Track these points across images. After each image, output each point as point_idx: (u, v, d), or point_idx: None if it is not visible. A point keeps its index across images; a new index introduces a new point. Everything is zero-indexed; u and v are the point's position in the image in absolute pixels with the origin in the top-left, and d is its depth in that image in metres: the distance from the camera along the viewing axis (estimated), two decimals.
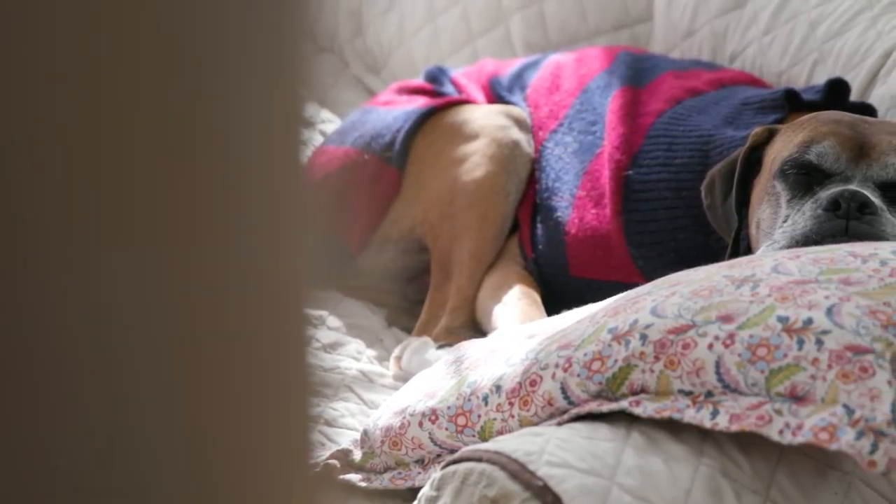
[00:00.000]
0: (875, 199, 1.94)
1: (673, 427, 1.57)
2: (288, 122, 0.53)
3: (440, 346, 2.26)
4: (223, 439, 0.58)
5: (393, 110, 2.56)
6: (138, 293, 0.55)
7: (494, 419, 1.72)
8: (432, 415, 1.79)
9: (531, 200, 2.44)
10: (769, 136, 2.12)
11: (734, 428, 1.52)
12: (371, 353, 2.35)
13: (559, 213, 2.37)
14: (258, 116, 0.53)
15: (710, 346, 1.57)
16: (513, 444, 1.54)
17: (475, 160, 2.44)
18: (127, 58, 0.54)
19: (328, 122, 2.90)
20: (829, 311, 1.56)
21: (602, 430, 1.57)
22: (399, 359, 2.28)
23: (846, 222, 1.91)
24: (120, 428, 0.56)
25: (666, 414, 1.56)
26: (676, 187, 2.27)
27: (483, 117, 2.49)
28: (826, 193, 1.95)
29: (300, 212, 0.55)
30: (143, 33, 0.53)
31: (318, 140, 2.78)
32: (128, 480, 0.57)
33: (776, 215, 2.01)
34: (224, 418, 0.58)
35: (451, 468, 1.55)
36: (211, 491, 0.58)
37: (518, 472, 1.50)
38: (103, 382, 0.56)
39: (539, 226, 2.40)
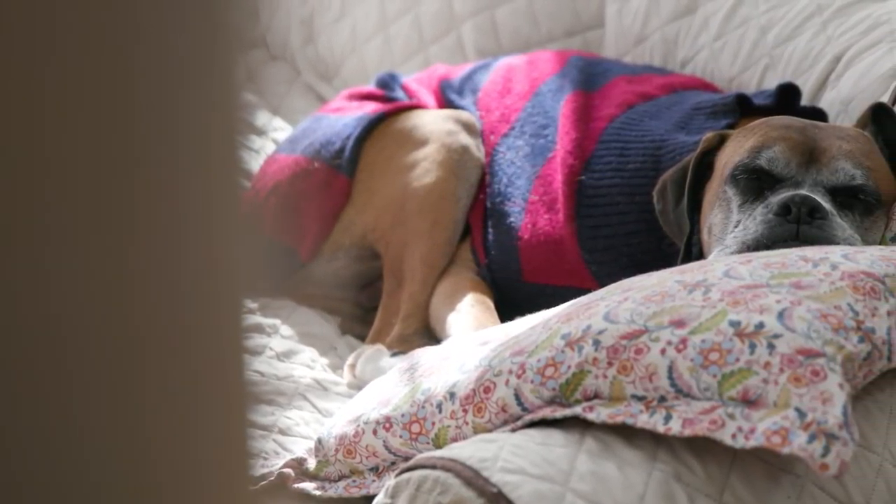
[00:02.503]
0: (825, 203, 1.94)
1: (626, 432, 1.57)
2: (225, 128, 0.53)
3: (394, 354, 2.26)
4: (164, 444, 0.58)
5: (343, 117, 2.55)
6: (80, 295, 0.55)
7: (448, 426, 1.71)
8: (386, 423, 1.78)
9: (482, 205, 2.43)
10: (720, 142, 2.13)
11: (687, 432, 1.52)
12: (325, 361, 2.34)
13: (512, 219, 2.37)
14: (194, 123, 0.53)
15: (663, 352, 1.58)
16: (467, 450, 1.54)
17: (425, 166, 2.44)
18: (67, 65, 0.53)
19: (280, 130, 2.90)
20: (781, 315, 1.57)
21: (556, 436, 1.57)
22: (353, 367, 2.28)
23: (797, 227, 1.92)
24: (65, 430, 0.56)
25: (619, 419, 1.56)
26: (629, 192, 2.28)
27: (432, 123, 2.49)
28: (777, 198, 1.96)
29: (236, 218, 0.55)
30: (83, 40, 0.53)
31: (270, 148, 2.77)
32: (73, 483, 0.56)
33: (727, 220, 2.02)
34: (164, 421, 0.58)
35: (406, 475, 1.55)
36: (153, 494, 0.58)
37: (472, 478, 1.50)
38: (49, 383, 0.55)
39: (491, 231, 2.40)
